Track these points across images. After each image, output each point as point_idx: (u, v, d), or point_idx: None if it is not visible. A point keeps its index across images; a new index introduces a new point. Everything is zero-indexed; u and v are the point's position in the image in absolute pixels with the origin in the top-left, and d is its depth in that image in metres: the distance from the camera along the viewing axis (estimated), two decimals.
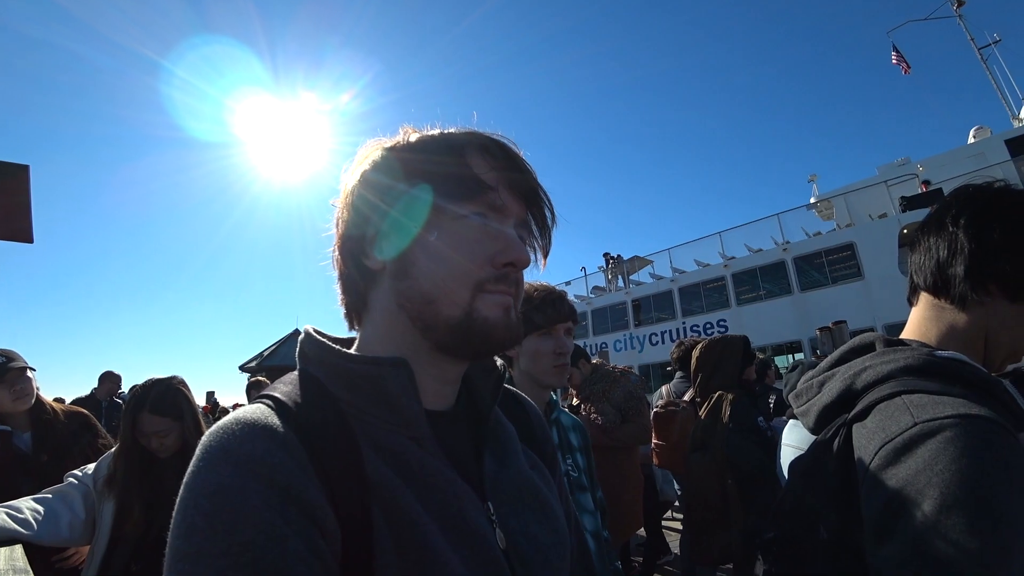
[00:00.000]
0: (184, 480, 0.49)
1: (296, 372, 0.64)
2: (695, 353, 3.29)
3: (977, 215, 0.91)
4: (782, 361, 15.53)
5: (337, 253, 0.69)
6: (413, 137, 0.68)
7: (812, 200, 20.25)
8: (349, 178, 0.69)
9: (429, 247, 0.63)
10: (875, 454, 0.76)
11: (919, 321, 0.99)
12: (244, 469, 0.48)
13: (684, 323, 18.88)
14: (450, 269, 0.62)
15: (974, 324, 0.92)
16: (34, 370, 2.39)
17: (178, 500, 0.48)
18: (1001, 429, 0.70)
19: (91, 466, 1.88)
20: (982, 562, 0.61)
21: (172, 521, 0.47)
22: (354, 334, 0.72)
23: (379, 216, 0.65)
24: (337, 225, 0.70)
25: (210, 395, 13.23)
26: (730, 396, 2.96)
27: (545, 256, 0.73)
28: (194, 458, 0.50)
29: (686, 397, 3.68)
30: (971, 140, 17.23)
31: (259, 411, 0.54)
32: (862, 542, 0.76)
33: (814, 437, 0.96)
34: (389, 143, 0.68)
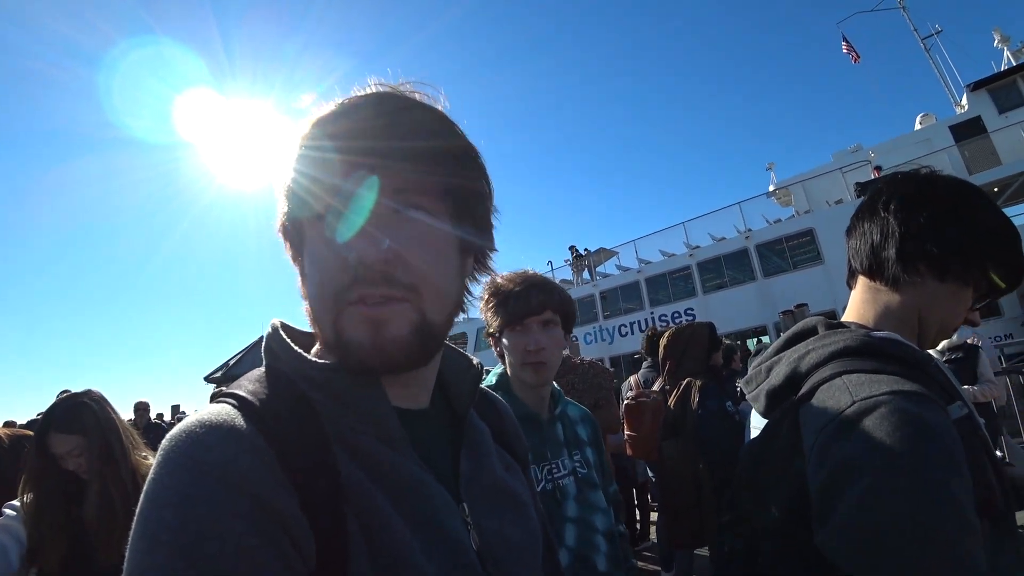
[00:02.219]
0: (144, 489, 0.46)
1: (263, 369, 0.60)
2: (662, 341, 3.34)
3: (906, 200, 0.96)
4: (754, 345, 15.92)
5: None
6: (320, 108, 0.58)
7: (771, 188, 20.74)
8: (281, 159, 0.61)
9: (308, 256, 0.59)
10: (819, 432, 0.80)
11: (857, 304, 1.04)
12: (210, 476, 0.44)
13: (652, 313, 19.14)
14: (316, 280, 0.57)
15: (907, 304, 0.96)
16: None
17: (137, 512, 0.45)
18: (931, 403, 0.75)
19: (16, 501, 1.75)
20: (917, 528, 0.66)
21: (132, 533, 0.44)
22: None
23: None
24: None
25: (175, 408, 12.83)
26: (698, 382, 3.02)
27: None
28: (155, 464, 0.47)
29: (655, 386, 3.74)
30: (918, 126, 17.91)
31: (223, 412, 0.50)
32: (810, 521, 0.79)
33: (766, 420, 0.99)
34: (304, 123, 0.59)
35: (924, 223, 0.92)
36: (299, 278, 0.62)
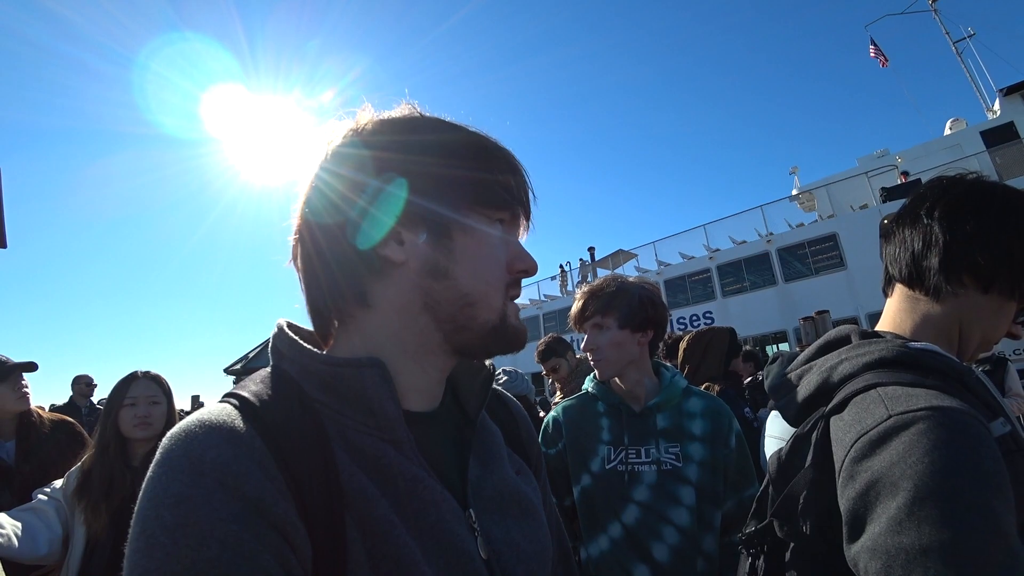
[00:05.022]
0: (143, 486, 0.45)
1: (268, 369, 0.60)
2: (682, 345, 3.30)
3: (951, 207, 0.91)
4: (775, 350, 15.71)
5: (323, 238, 0.63)
6: (439, 126, 0.65)
7: (794, 192, 20.42)
8: (362, 154, 0.63)
9: (468, 249, 0.62)
10: (851, 446, 0.76)
11: (894, 313, 1.00)
12: (209, 478, 0.44)
13: (670, 315, 18.93)
14: (489, 273, 0.63)
15: (948, 315, 0.92)
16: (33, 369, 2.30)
17: (136, 509, 0.44)
18: (972, 419, 0.71)
19: (58, 482, 1.83)
20: (953, 551, 0.62)
21: (131, 532, 0.44)
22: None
23: (411, 207, 0.61)
24: (326, 204, 0.63)
25: (195, 399, 12.98)
26: (717, 387, 2.98)
27: None
28: (154, 463, 0.47)
29: None
30: (947, 132, 17.52)
31: (223, 412, 0.50)
32: (839, 536, 0.75)
33: (794, 429, 0.96)
34: (417, 127, 0.65)
35: (971, 232, 0.88)
36: (428, 260, 0.62)
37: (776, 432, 1.15)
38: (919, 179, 15.03)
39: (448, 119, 0.66)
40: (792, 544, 0.89)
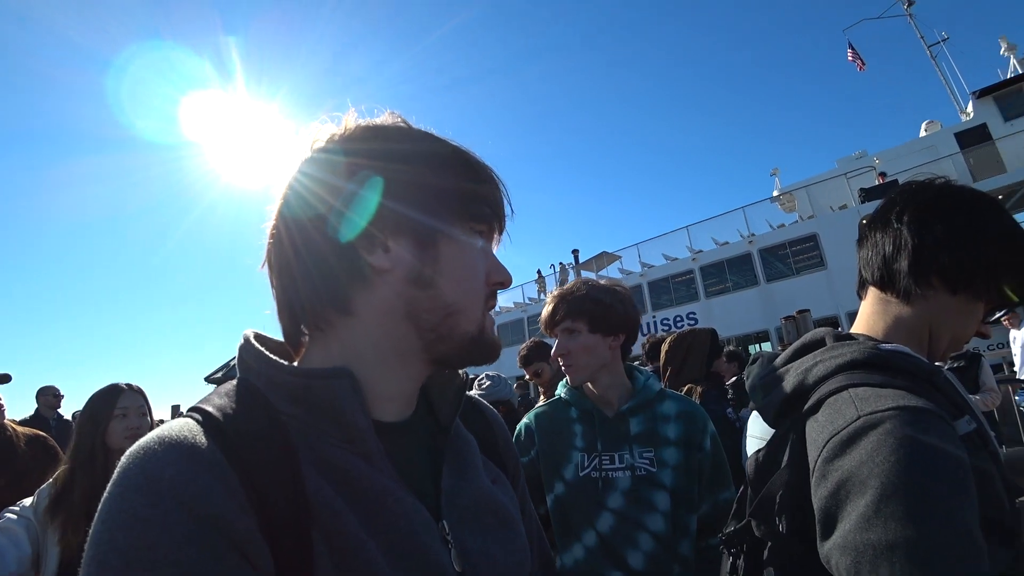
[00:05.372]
0: (99, 508, 0.44)
1: (235, 382, 0.58)
2: (664, 347, 3.33)
3: (919, 211, 0.94)
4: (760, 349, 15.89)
5: (304, 243, 0.60)
6: (424, 136, 0.66)
7: (775, 193, 20.69)
8: (349, 159, 0.61)
9: (453, 259, 0.63)
10: (823, 446, 0.79)
11: (867, 315, 1.03)
12: (165, 497, 0.43)
13: (654, 316, 19.12)
14: (471, 284, 0.64)
15: (918, 316, 0.95)
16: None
17: (91, 532, 0.43)
18: (937, 418, 0.74)
19: (28, 499, 1.76)
20: (918, 547, 0.64)
21: (84, 556, 0.42)
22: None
23: (396, 213, 0.60)
24: (308, 209, 0.61)
25: (175, 409, 12.73)
26: (699, 389, 3.01)
27: None
28: (111, 482, 0.45)
29: None
30: (923, 133, 17.87)
31: (184, 428, 0.49)
32: (814, 534, 0.78)
33: (773, 430, 0.98)
34: (404, 136, 0.65)
35: (939, 236, 0.91)
36: (413, 269, 0.61)
37: (757, 432, 1.18)
38: (896, 180, 15.33)
39: (431, 131, 0.67)
40: (770, 543, 0.91)
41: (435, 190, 0.62)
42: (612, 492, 1.51)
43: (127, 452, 0.47)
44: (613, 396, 1.64)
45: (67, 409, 6.00)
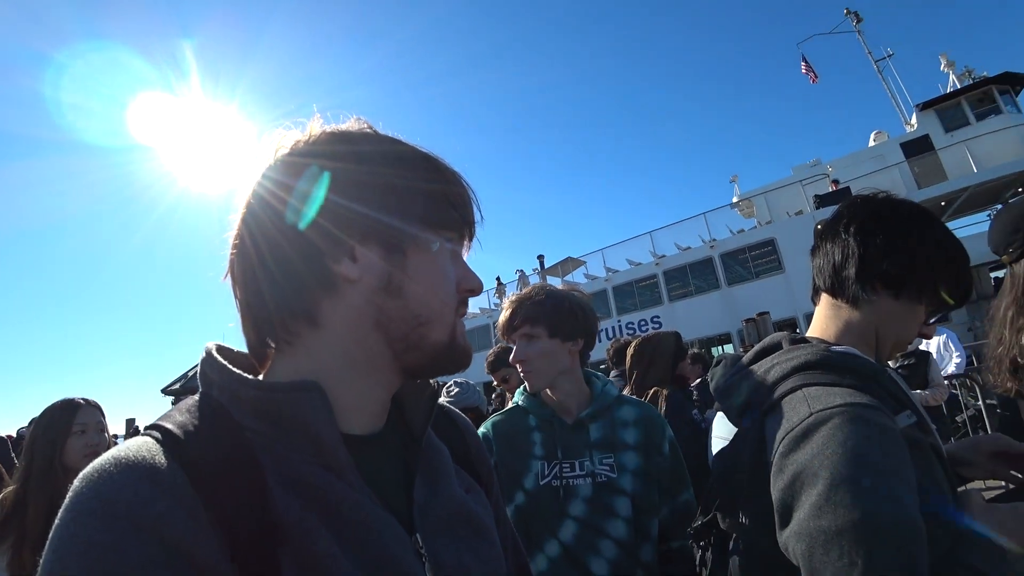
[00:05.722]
0: (50, 535, 0.41)
1: (197, 397, 0.56)
2: (629, 351, 3.36)
3: (864, 223, 1.03)
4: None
5: (269, 252, 0.58)
6: (391, 140, 0.65)
7: (735, 199, 21.26)
8: (302, 163, 0.60)
9: (423, 267, 0.61)
10: (780, 442, 0.86)
11: (820, 319, 1.10)
12: (123, 521, 0.41)
13: (619, 321, 19.35)
14: (441, 292, 0.63)
15: (866, 320, 1.03)
16: None
17: (43, 559, 0.41)
18: (879, 413, 0.83)
19: None
20: (862, 529, 0.72)
21: None
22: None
23: (363, 221, 0.59)
24: (274, 217, 0.59)
25: (130, 423, 12.16)
26: (665, 391, 3.05)
27: None
28: (63, 507, 0.43)
29: None
30: (872, 143, 18.64)
31: (142, 447, 0.47)
32: (774, 525, 0.84)
33: (737, 429, 1.05)
34: (372, 141, 0.64)
35: (881, 245, 0.99)
36: (382, 277, 0.60)
37: (722, 433, 1.22)
38: (848, 187, 15.97)
39: (399, 136, 0.66)
40: (734, 535, 0.97)
41: (403, 196, 0.61)
42: (573, 500, 1.49)
43: (80, 475, 0.45)
44: (572, 402, 1.63)
45: (4, 425, 5.65)
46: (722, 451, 1.08)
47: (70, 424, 1.79)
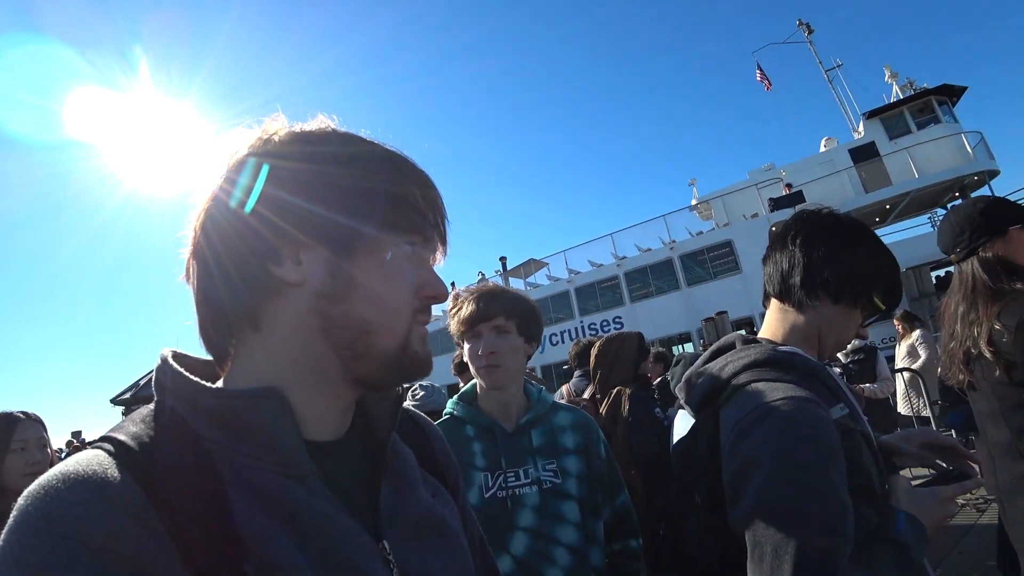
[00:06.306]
0: None
1: (152, 406, 0.53)
2: (593, 351, 3.40)
3: (809, 235, 1.14)
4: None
5: (225, 253, 0.56)
6: (346, 138, 0.61)
7: (693, 202, 21.75)
8: (252, 162, 0.58)
9: (372, 272, 0.58)
10: (731, 432, 0.97)
11: (770, 322, 1.21)
12: (73, 541, 0.39)
13: (582, 322, 19.56)
14: (392, 299, 0.59)
15: (810, 323, 1.14)
16: None
17: None
18: (815, 405, 0.94)
19: None
20: (798, 508, 0.85)
21: None
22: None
23: (307, 222, 0.56)
24: (215, 218, 0.57)
25: (76, 435, 11.44)
26: (628, 390, 3.09)
27: None
28: (6, 529, 0.40)
29: (585, 394, 3.80)
30: (822, 148, 19.35)
31: (93, 461, 0.44)
32: (725, 503, 0.96)
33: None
34: (314, 135, 0.60)
35: (823, 256, 1.11)
36: (325, 282, 0.57)
37: (683, 429, 1.27)
38: (800, 191, 16.64)
39: (364, 134, 0.63)
40: (691, 516, 1.08)
41: (355, 197, 0.58)
42: (522, 510, 1.45)
43: (25, 492, 0.42)
44: (514, 409, 1.59)
45: None
46: (681, 440, 1.18)
47: (8, 441, 1.67)
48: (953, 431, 3.79)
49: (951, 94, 17.47)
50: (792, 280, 1.13)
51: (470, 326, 1.55)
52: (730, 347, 1.20)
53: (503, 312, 1.54)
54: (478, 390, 1.63)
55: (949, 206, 17.32)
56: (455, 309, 1.59)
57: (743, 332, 1.24)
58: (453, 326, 1.60)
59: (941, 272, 14.94)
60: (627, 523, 1.65)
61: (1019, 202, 1.96)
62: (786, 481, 0.87)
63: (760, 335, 1.22)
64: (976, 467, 1.15)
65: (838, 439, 0.92)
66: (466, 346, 1.58)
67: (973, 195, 15.32)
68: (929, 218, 18.65)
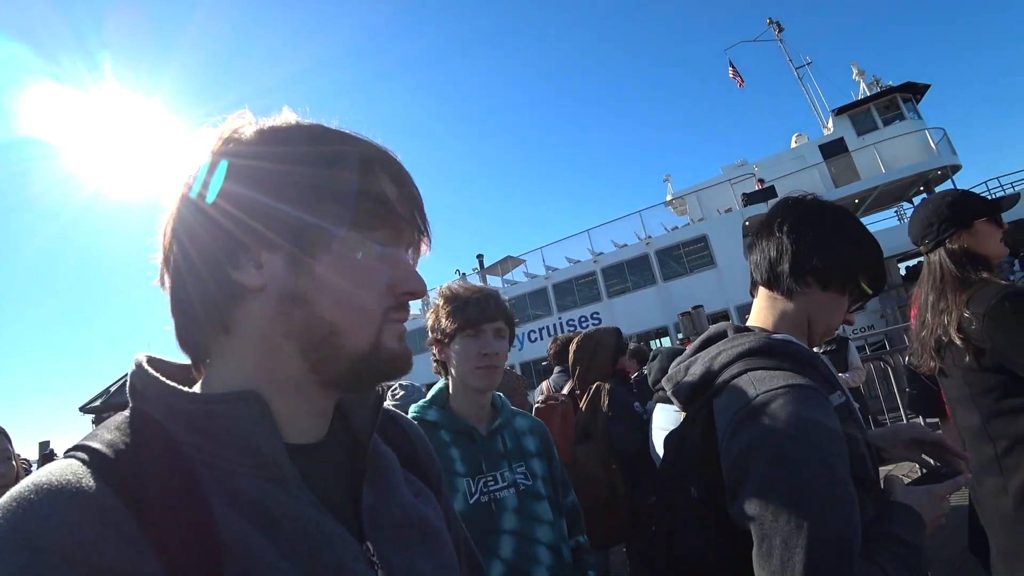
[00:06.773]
0: None
1: (127, 412, 0.52)
2: (572, 347, 3.42)
3: (796, 222, 1.14)
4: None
5: (197, 256, 0.55)
6: (311, 134, 0.59)
7: (668, 198, 21.94)
8: (211, 162, 0.56)
9: (334, 271, 0.56)
10: (729, 422, 0.94)
11: (759, 310, 1.21)
12: (49, 553, 0.37)
13: (560, 318, 19.62)
14: (358, 298, 0.57)
15: (799, 310, 1.13)
16: None
17: None
18: (817, 393, 0.93)
19: None
20: (803, 496, 0.82)
21: None
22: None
23: (268, 224, 0.54)
24: (180, 221, 0.56)
25: (44, 446, 11.02)
26: (607, 386, 3.11)
27: None
28: None
29: (564, 390, 3.82)
30: (793, 144, 19.71)
31: (66, 470, 0.43)
32: (724, 497, 0.93)
33: (683, 415, 1.13)
34: (277, 131, 0.58)
35: (811, 243, 1.10)
36: (287, 284, 0.55)
37: (662, 423, 1.29)
38: (773, 186, 16.93)
39: (334, 126, 0.61)
40: (684, 510, 1.05)
41: (318, 195, 0.56)
42: (504, 513, 1.47)
43: None
44: (486, 412, 1.61)
45: None
46: (672, 433, 1.16)
47: None
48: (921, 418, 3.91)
49: (915, 92, 17.95)
50: (780, 267, 1.12)
51: (474, 324, 1.52)
52: (721, 336, 1.18)
53: (504, 316, 1.57)
54: (451, 391, 1.61)
55: (915, 200, 17.86)
56: (452, 304, 1.56)
57: (734, 322, 1.23)
58: (448, 321, 1.55)
59: (912, 262, 15.38)
60: (579, 521, 1.72)
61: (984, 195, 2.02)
62: (792, 471, 0.84)
63: (750, 323, 1.21)
64: (964, 464, 1.15)
65: (840, 428, 0.90)
66: (461, 343, 1.53)
67: (937, 189, 15.80)
68: (896, 212, 19.17)
